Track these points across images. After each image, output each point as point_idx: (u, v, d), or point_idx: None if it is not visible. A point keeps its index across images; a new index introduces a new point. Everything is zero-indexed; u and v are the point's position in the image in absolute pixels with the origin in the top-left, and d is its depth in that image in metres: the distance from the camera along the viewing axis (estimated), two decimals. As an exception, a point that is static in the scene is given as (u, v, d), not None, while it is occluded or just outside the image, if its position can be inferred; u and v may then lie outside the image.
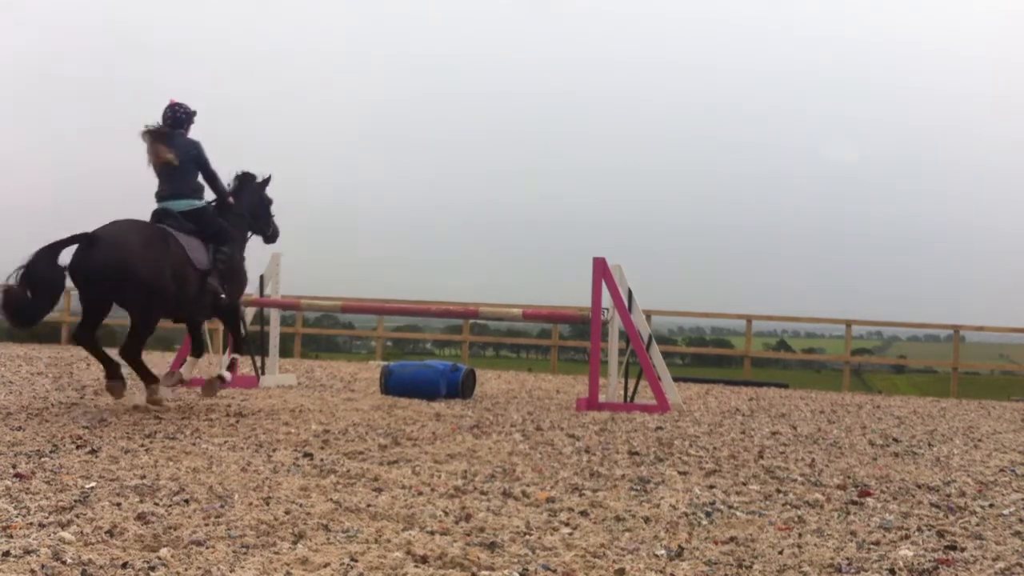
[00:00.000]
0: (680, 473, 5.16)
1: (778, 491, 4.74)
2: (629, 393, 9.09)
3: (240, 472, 4.59)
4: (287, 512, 3.75)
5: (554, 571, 3.14)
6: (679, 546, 3.50)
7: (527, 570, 3.12)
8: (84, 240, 6.49)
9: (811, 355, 26.18)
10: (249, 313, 10.15)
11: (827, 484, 5.01)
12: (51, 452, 4.95)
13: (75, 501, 3.79)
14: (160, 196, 7.22)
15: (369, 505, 3.96)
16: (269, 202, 8.22)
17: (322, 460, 5.03)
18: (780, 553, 3.48)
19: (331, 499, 4.04)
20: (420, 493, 4.28)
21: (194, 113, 7.39)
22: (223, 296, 7.42)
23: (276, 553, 3.19)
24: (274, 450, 5.32)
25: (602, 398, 8.91)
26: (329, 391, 9.46)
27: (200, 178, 7.39)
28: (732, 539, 3.66)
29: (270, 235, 8.33)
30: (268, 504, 3.89)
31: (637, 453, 5.83)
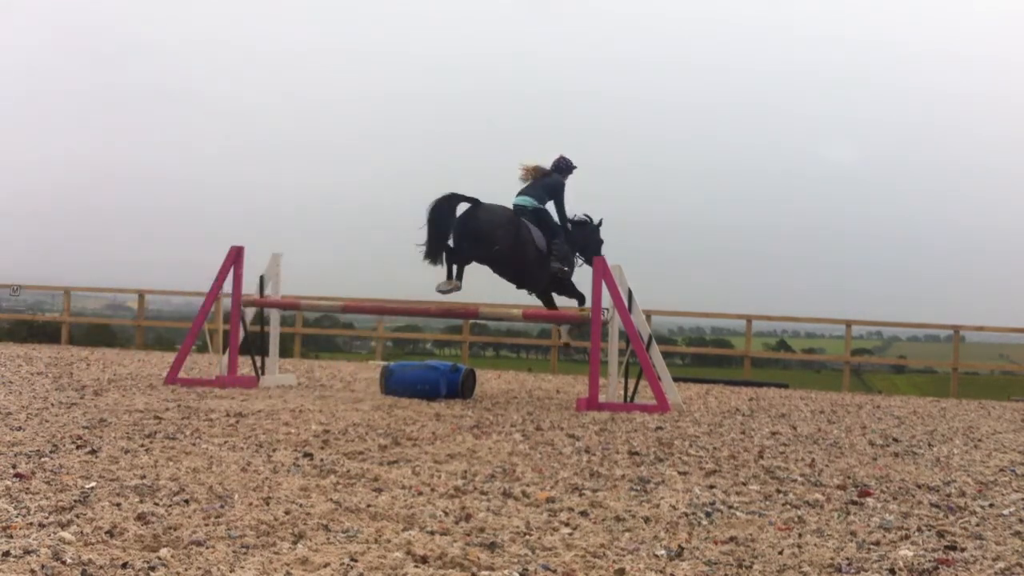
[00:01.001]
0: (680, 473, 5.15)
1: (778, 491, 4.74)
2: (629, 393, 9.08)
3: (240, 472, 4.59)
4: (287, 512, 3.74)
5: (554, 571, 3.14)
6: (679, 546, 3.50)
7: (527, 570, 3.12)
8: (473, 203, 8.94)
9: (811, 355, 26.10)
10: (249, 313, 10.18)
11: (827, 484, 5.01)
12: (51, 452, 4.94)
13: (75, 501, 3.79)
14: (518, 195, 9.48)
15: (369, 505, 3.96)
16: (600, 242, 9.90)
17: (322, 460, 5.03)
18: (780, 553, 3.47)
19: (331, 499, 4.04)
20: (420, 493, 4.28)
21: (574, 168, 9.79)
22: (558, 270, 9.42)
23: (276, 553, 3.19)
24: (274, 450, 5.31)
25: (602, 398, 8.91)
26: (329, 391, 9.46)
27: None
28: (732, 539, 3.66)
29: (587, 258, 9.78)
30: (268, 504, 3.89)
31: (637, 453, 5.82)
